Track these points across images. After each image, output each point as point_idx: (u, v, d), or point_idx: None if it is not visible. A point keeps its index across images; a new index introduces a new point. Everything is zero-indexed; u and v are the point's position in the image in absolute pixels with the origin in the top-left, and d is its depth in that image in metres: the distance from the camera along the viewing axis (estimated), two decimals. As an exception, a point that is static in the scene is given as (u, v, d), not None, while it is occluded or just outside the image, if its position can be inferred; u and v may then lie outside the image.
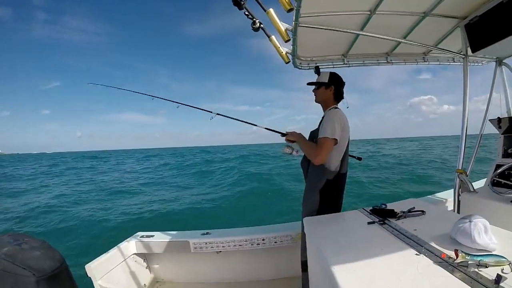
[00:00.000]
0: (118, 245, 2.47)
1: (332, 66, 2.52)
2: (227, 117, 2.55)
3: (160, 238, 2.56)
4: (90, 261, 2.12)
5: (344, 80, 2.04)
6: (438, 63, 3.00)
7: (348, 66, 2.57)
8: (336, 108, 1.98)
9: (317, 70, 2.08)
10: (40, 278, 1.65)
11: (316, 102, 2.06)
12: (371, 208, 1.66)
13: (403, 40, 2.29)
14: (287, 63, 2.11)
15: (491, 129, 2.48)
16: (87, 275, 2.06)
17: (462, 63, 2.45)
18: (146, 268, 2.70)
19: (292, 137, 2.04)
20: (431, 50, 2.80)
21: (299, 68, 2.41)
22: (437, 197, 2.80)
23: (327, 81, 1.98)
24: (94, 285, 2.07)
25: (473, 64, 2.92)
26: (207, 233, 2.57)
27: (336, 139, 1.81)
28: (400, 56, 2.77)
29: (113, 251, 2.35)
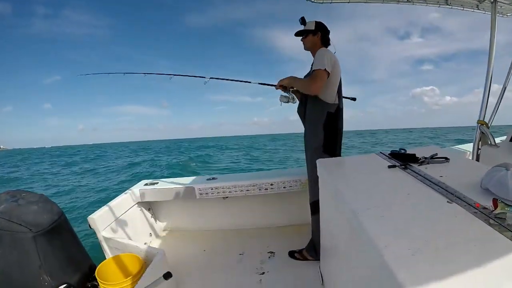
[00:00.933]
0: (122, 194, 2.41)
1: (348, 1, 2.24)
2: (221, 79, 2.58)
3: (164, 186, 2.49)
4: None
5: (329, 29, 2.11)
6: (462, 8, 2.66)
7: (365, 2, 2.28)
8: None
9: (302, 21, 2.12)
10: (37, 233, 1.57)
11: (305, 49, 2.14)
12: (389, 152, 1.55)
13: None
14: None
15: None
16: (90, 227, 2.02)
17: (488, 12, 2.18)
18: (151, 216, 2.68)
19: (283, 82, 2.13)
20: None
21: (312, 2, 2.16)
22: (457, 149, 2.70)
23: (313, 28, 2.07)
24: (98, 237, 2.03)
25: (500, 15, 2.61)
26: (212, 178, 2.50)
27: (328, 70, 1.87)
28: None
29: (116, 201, 2.29)
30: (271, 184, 2.37)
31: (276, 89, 2.18)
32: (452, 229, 0.81)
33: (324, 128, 1.96)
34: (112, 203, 2.24)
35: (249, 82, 2.78)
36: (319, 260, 1.92)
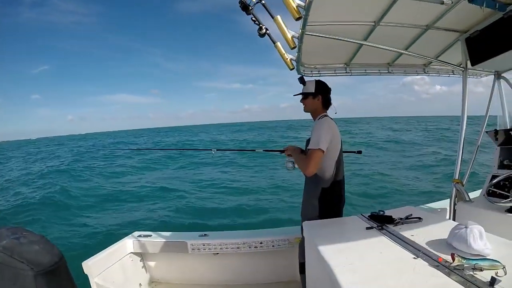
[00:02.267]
0: (115, 243, 2.48)
1: (335, 74, 2.57)
2: (227, 150, 2.74)
3: (157, 238, 2.57)
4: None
5: (329, 87, 2.07)
6: (438, 75, 3.05)
7: (350, 75, 2.62)
8: (325, 116, 2.02)
9: (301, 80, 2.09)
10: (38, 273, 1.66)
11: (305, 112, 2.09)
12: (369, 214, 1.70)
13: (405, 52, 2.35)
14: (291, 69, 2.15)
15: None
16: (84, 272, 2.07)
17: (461, 76, 2.51)
18: (142, 267, 2.70)
19: (289, 152, 2.12)
20: (432, 62, 2.86)
21: (303, 75, 2.47)
22: (433, 206, 2.84)
23: (313, 90, 2.01)
24: (91, 283, 2.07)
25: (472, 77, 2.98)
26: (204, 234, 2.58)
27: (322, 149, 1.83)
28: (401, 66, 2.83)
29: (110, 249, 2.36)
30: (261, 243, 2.45)
31: (286, 154, 2.17)
32: (415, 279, 0.95)
33: (319, 202, 1.95)
34: (106, 251, 2.31)
35: (253, 151, 2.92)
36: None
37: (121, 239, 2.59)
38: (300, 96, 2.08)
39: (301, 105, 2.11)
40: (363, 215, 1.73)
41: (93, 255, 2.20)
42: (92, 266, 2.09)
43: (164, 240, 2.54)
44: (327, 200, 1.96)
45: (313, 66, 2.49)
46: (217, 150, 2.71)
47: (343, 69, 2.59)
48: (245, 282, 2.57)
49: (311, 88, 2.02)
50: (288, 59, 2.11)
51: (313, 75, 2.47)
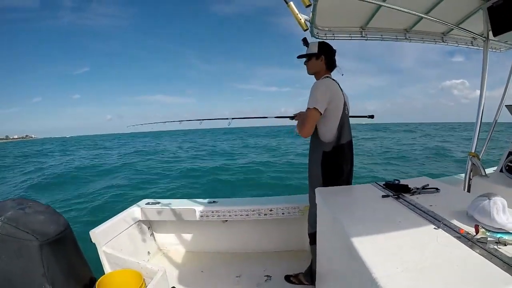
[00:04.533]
0: (123, 211, 2.46)
1: (350, 38, 2.42)
2: (242, 118, 2.77)
3: (165, 206, 2.55)
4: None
5: (335, 48, 1.97)
6: (457, 44, 2.89)
7: (366, 39, 2.47)
8: (326, 77, 1.93)
9: (305, 42, 2.00)
10: (43, 242, 1.62)
11: (308, 74, 2.01)
12: (383, 182, 1.64)
13: (424, 16, 2.18)
14: (305, 30, 2.01)
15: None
16: (92, 241, 2.06)
17: (481, 48, 2.37)
18: (150, 235, 2.71)
19: (298, 118, 2.06)
20: (451, 30, 2.70)
21: (316, 38, 2.32)
22: (448, 180, 2.80)
23: (316, 51, 1.93)
24: (98, 251, 2.06)
25: (493, 50, 2.83)
26: (213, 201, 2.56)
27: (318, 110, 1.77)
28: (419, 33, 2.67)
29: (118, 218, 2.34)
30: (270, 210, 2.41)
31: (296, 120, 2.11)
32: (437, 251, 0.89)
33: (322, 167, 1.90)
34: (114, 219, 2.29)
35: (266, 117, 2.89)
36: (313, 285, 1.95)
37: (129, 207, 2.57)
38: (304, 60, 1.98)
39: None
40: (377, 183, 1.67)
41: (100, 224, 2.18)
42: (99, 234, 2.07)
43: (172, 208, 2.52)
44: (330, 165, 1.89)
45: (327, 29, 2.34)
46: (232, 119, 2.67)
47: (358, 33, 2.44)
48: (253, 250, 2.58)
49: (314, 49, 1.94)
50: (302, 20, 1.97)
51: (327, 37, 2.32)
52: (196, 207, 2.48)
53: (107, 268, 2.05)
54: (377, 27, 2.48)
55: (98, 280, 1.73)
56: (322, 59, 1.94)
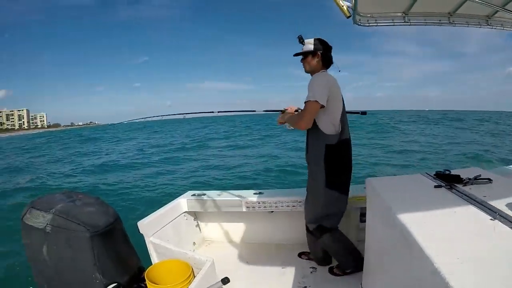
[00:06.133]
0: (170, 203, 2.52)
1: (393, 24, 2.33)
2: (227, 111, 2.97)
3: (211, 197, 2.57)
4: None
5: (330, 44, 1.97)
6: (502, 28, 2.72)
7: (409, 24, 2.36)
8: (323, 72, 1.94)
9: (300, 40, 1.98)
10: (94, 234, 1.70)
11: (306, 72, 2.01)
12: (434, 173, 1.62)
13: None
14: (348, 17, 1.94)
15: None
16: (139, 232, 2.11)
17: None
18: (196, 226, 2.76)
19: (283, 119, 2.11)
20: (496, 12, 2.54)
21: (358, 25, 2.24)
22: (500, 171, 2.70)
23: (312, 49, 1.93)
24: (146, 242, 2.14)
25: None
26: (259, 192, 2.55)
27: (318, 101, 1.77)
28: (463, 17, 2.53)
29: (165, 209, 2.40)
30: None
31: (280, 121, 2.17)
32: (495, 243, 0.89)
33: (325, 162, 1.88)
34: (161, 211, 2.36)
35: (254, 111, 2.86)
36: (357, 271, 1.97)
37: (175, 198, 2.61)
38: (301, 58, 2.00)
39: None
40: (428, 174, 1.65)
41: (148, 215, 2.25)
42: (147, 225, 2.13)
43: (218, 199, 2.55)
44: (334, 160, 1.89)
45: (369, 15, 2.25)
46: (218, 112, 2.79)
47: (401, 18, 2.34)
48: (298, 242, 2.57)
49: (310, 47, 1.94)
50: (344, 7, 1.89)
51: (370, 24, 2.23)
52: (242, 199, 2.49)
53: (154, 258, 2.11)
54: (420, 11, 2.36)
55: (147, 270, 1.78)
56: (318, 56, 1.94)
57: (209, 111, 2.86)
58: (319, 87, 1.79)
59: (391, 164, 9.84)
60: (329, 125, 1.86)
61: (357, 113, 2.43)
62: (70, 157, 16.66)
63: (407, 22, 2.34)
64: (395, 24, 2.32)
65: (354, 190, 2.36)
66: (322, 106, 1.80)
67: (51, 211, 1.69)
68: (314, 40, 1.95)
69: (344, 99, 1.98)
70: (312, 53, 1.94)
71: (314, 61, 1.95)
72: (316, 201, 2.02)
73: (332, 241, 2.09)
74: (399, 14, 2.33)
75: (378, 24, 2.26)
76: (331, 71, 2.06)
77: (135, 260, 1.88)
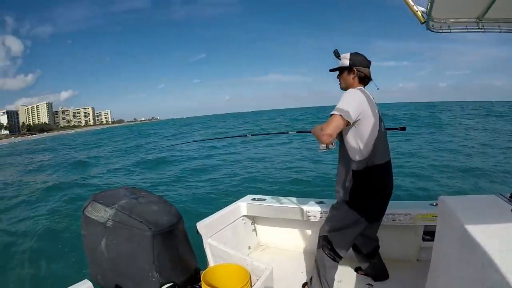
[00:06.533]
0: (229, 205, 2.52)
1: (466, 31, 2.18)
2: (260, 134, 2.74)
3: (271, 203, 2.55)
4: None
5: (369, 59, 1.84)
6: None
7: (483, 31, 2.20)
8: (359, 88, 1.82)
9: (336, 55, 1.89)
10: (156, 233, 1.66)
11: (341, 89, 1.90)
12: (510, 194, 1.51)
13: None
14: (423, 23, 1.85)
15: None
16: (198, 232, 2.13)
17: None
18: (253, 230, 2.75)
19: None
20: None
21: (432, 31, 2.11)
22: None
23: (348, 64, 1.83)
24: (204, 243, 2.14)
25: None
26: (321, 202, 2.49)
27: (342, 116, 1.64)
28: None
29: (224, 211, 2.41)
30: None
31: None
32: None
33: (349, 186, 1.77)
34: (220, 213, 2.36)
35: (287, 133, 3.31)
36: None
37: (234, 201, 2.63)
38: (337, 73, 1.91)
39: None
40: (502, 195, 1.53)
41: (207, 216, 2.26)
42: (206, 227, 2.14)
43: (278, 205, 2.52)
44: (358, 187, 1.75)
45: (443, 21, 2.11)
46: (252, 135, 3.04)
47: (475, 24, 2.18)
48: None
49: (346, 62, 1.84)
50: (419, 12, 1.80)
51: (443, 31, 2.10)
52: (303, 206, 2.43)
53: (210, 260, 2.12)
54: (495, 17, 2.19)
55: (204, 271, 1.77)
56: (355, 72, 1.84)
57: (242, 134, 2.88)
58: (347, 103, 1.68)
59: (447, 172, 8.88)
60: (356, 149, 1.73)
61: (396, 129, 2.28)
62: (127, 153, 17.06)
63: (481, 28, 2.18)
64: (469, 31, 2.18)
65: (413, 206, 2.25)
66: (348, 123, 1.68)
67: (113, 206, 1.70)
68: (351, 55, 1.85)
69: (383, 120, 1.83)
70: (348, 69, 1.85)
71: (350, 78, 1.85)
72: (333, 216, 1.93)
73: (323, 258, 1.94)
74: (473, 20, 2.18)
75: (452, 31, 2.13)
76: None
77: (193, 261, 1.88)
